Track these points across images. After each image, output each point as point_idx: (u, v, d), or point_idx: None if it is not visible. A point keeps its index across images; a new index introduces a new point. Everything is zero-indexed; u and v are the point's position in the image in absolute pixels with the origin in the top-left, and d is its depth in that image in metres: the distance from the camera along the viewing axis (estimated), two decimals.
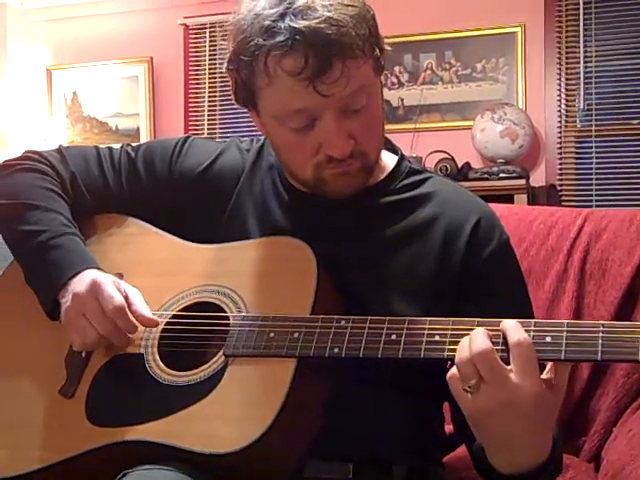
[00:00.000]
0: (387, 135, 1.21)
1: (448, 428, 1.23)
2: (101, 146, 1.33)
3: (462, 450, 1.21)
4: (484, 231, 1.15)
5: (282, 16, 1.02)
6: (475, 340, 0.91)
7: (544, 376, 0.91)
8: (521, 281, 1.20)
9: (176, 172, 1.25)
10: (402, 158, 1.23)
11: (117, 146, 1.33)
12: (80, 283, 1.12)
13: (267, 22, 1.02)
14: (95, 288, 1.10)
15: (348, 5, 1.03)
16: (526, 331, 0.92)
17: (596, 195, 3.78)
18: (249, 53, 1.04)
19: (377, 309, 1.06)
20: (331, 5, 1.02)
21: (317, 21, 1.00)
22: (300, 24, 1.00)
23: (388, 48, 1.11)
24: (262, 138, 1.27)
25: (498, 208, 1.31)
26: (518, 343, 0.90)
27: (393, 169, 1.21)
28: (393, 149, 1.25)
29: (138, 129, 4.52)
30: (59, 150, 1.32)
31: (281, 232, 1.16)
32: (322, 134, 1.07)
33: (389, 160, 1.22)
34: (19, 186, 1.25)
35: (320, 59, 1.01)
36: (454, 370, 0.92)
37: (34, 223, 1.20)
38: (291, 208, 1.19)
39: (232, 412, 1.00)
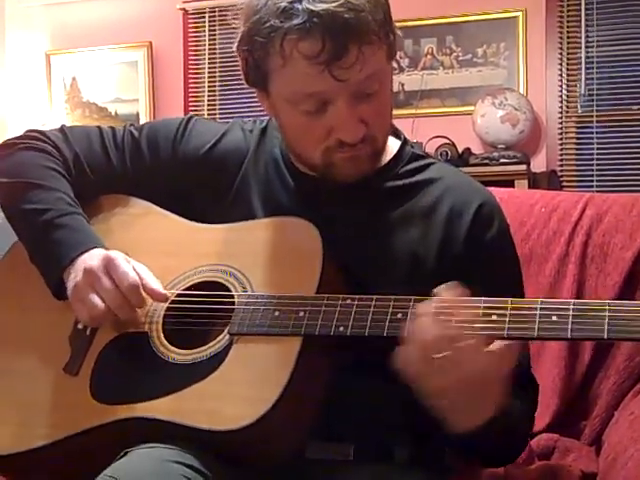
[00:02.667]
0: None
1: None
2: (104, 126, 1.32)
3: None
4: (486, 215, 1.16)
5: None
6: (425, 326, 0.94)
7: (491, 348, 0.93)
8: (518, 268, 1.21)
9: (180, 152, 1.25)
10: (405, 142, 1.23)
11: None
12: (91, 259, 1.12)
13: (284, 3, 1.01)
14: (108, 263, 1.11)
15: None
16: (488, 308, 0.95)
17: (597, 181, 3.77)
18: (264, 34, 1.03)
19: (377, 291, 1.05)
20: None
21: (335, 4, 1.00)
22: (318, 7, 1.00)
23: (399, 33, 1.11)
24: (265, 119, 1.27)
25: (499, 192, 1.31)
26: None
27: (396, 154, 1.21)
28: (396, 133, 1.25)
29: (138, 114, 4.49)
30: (62, 129, 1.31)
31: (285, 213, 1.15)
32: (334, 118, 1.07)
33: (392, 144, 1.22)
34: (22, 165, 1.25)
35: (337, 43, 1.00)
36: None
37: (38, 202, 1.19)
38: (295, 190, 1.19)
39: (236, 390, 1.01)
